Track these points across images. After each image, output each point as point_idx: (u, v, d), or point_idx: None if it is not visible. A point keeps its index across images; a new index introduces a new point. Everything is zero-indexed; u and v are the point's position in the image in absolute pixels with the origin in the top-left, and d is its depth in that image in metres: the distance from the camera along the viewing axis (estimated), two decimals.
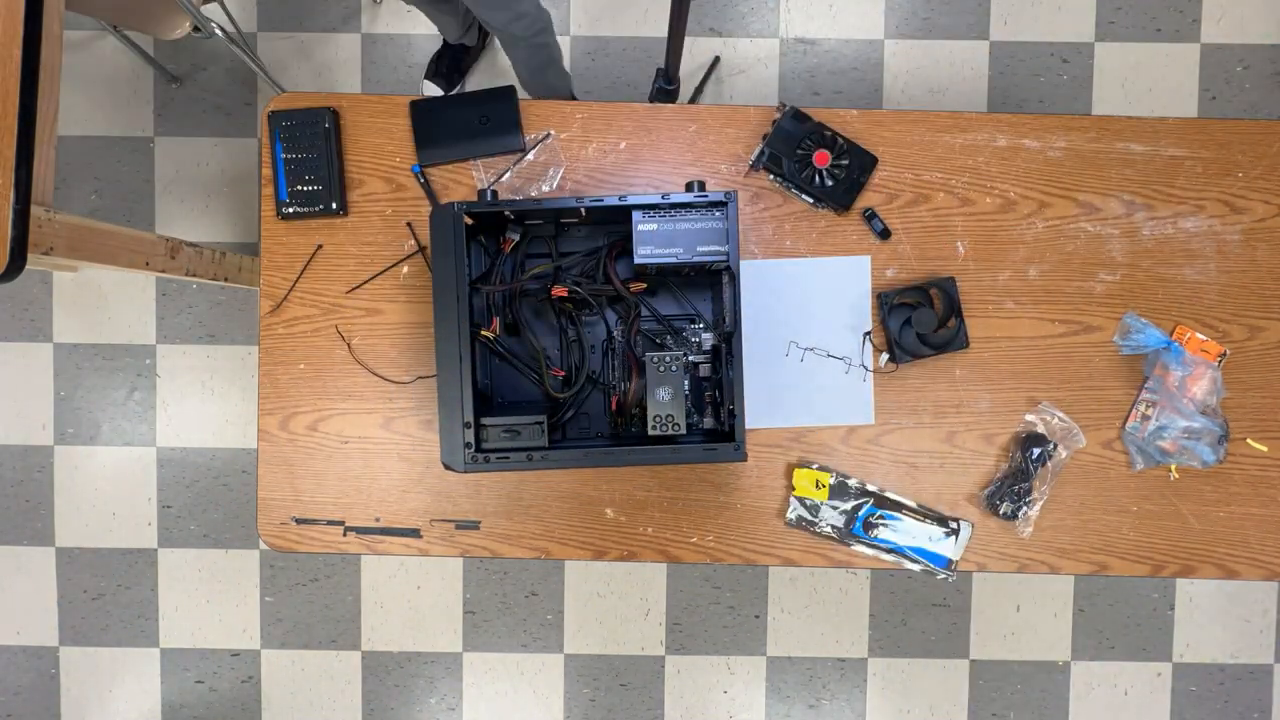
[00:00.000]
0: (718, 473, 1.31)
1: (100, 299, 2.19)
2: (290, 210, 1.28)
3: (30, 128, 1.18)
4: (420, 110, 1.29)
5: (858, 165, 1.26)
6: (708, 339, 1.22)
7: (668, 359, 1.10)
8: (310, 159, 1.27)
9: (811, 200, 1.27)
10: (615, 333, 1.23)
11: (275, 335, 1.31)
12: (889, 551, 1.29)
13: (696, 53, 2.14)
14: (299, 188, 1.28)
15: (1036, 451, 1.27)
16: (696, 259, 1.09)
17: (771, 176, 1.27)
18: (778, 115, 1.25)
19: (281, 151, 1.27)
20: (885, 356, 1.29)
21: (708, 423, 1.20)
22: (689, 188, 1.10)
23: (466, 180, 1.30)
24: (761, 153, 1.26)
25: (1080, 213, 1.29)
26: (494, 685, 2.21)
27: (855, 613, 2.19)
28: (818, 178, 1.25)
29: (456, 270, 1.09)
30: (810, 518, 1.28)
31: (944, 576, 1.30)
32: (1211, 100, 2.15)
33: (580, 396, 1.23)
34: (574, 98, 2.00)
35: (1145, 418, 1.28)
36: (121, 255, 1.44)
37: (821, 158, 1.24)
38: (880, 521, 1.29)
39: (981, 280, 1.29)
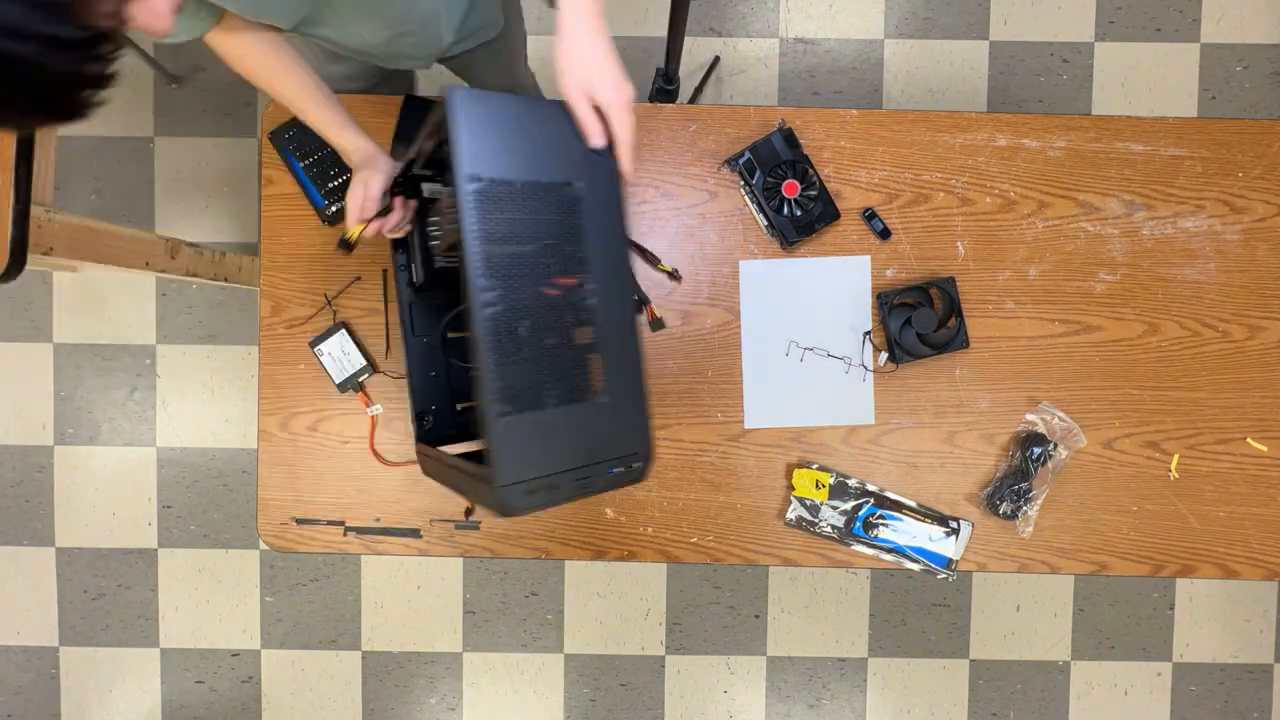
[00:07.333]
0: (718, 473, 1.30)
1: (100, 299, 2.19)
2: (333, 210, 1.27)
3: None
4: (412, 106, 1.28)
5: (820, 212, 1.26)
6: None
7: None
8: (325, 155, 1.27)
9: (765, 221, 1.28)
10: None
11: (275, 335, 1.31)
12: (889, 551, 1.29)
13: (696, 53, 2.14)
14: (330, 185, 1.27)
15: (1036, 451, 1.27)
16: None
17: (741, 182, 1.28)
18: (774, 129, 1.26)
19: (297, 162, 1.26)
20: (885, 356, 1.29)
21: None
22: None
23: None
24: (742, 153, 1.26)
25: (1080, 213, 1.29)
26: (494, 685, 2.21)
27: (855, 613, 2.19)
28: (779, 203, 1.26)
29: None
30: (810, 518, 1.28)
31: (944, 576, 1.30)
32: (1211, 100, 2.15)
33: None
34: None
35: None
36: (122, 255, 1.44)
37: (790, 188, 1.25)
38: (880, 521, 1.29)
39: (981, 280, 1.29)
